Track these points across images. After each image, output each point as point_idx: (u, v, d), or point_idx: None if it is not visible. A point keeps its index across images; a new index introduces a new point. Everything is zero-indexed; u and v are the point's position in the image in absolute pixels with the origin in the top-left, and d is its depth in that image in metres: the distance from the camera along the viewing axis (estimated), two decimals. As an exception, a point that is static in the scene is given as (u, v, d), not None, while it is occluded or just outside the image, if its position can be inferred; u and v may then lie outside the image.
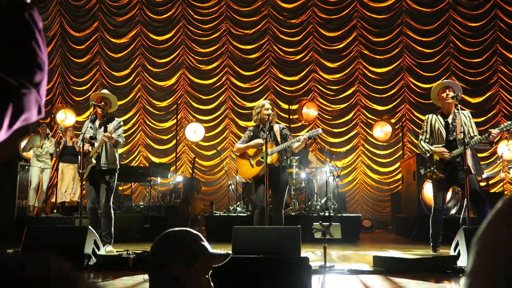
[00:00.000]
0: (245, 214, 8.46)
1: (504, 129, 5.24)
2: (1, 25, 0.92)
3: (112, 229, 5.80)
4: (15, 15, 0.94)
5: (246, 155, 5.63)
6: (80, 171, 5.73)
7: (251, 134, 5.63)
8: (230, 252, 1.71)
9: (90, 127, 5.87)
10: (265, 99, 12.25)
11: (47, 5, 13.07)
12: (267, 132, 5.33)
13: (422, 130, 5.69)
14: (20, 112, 0.93)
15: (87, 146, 5.73)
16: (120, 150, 6.15)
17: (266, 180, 5.16)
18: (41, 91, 0.98)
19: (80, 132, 5.97)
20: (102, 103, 5.85)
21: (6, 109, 0.90)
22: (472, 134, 5.30)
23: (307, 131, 6.49)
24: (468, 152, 5.22)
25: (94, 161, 5.73)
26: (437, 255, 5.23)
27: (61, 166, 9.28)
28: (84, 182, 5.89)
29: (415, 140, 11.63)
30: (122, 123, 5.98)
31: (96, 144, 5.77)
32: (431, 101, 11.59)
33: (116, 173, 5.91)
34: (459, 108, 5.32)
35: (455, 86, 5.58)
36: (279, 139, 5.52)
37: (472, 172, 5.20)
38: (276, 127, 5.60)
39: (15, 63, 0.92)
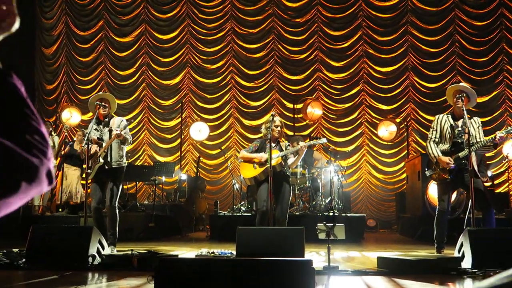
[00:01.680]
0: (250, 214, 8.46)
1: (511, 131, 5.23)
2: None
3: (117, 230, 5.82)
4: None
5: (249, 159, 5.71)
6: (88, 171, 5.74)
7: (258, 144, 5.76)
8: None
9: (96, 129, 5.88)
10: (269, 98, 12.33)
11: (52, 4, 13.12)
12: (272, 140, 5.46)
13: (431, 129, 5.66)
14: (34, 186, 0.87)
15: (95, 147, 5.74)
16: (126, 148, 6.15)
17: (271, 181, 5.17)
18: (51, 162, 0.91)
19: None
20: (103, 103, 5.87)
21: (20, 187, 0.84)
22: (478, 140, 5.29)
23: (310, 136, 6.55)
24: (473, 156, 5.21)
25: (102, 160, 5.74)
26: (441, 256, 5.22)
27: (65, 167, 9.17)
28: (89, 182, 5.90)
29: (420, 140, 11.60)
30: (124, 120, 6.00)
31: (104, 144, 5.78)
32: (436, 101, 11.61)
33: (123, 173, 5.91)
34: (465, 111, 5.30)
35: (468, 91, 5.52)
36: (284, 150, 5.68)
37: (478, 176, 5.20)
38: (283, 144, 5.77)
39: (21, 138, 0.85)
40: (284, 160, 5.59)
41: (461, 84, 5.83)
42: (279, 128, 5.60)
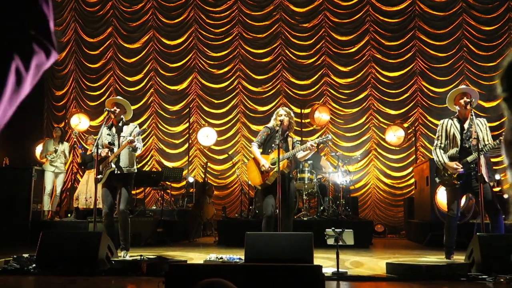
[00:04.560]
0: (257, 219, 8.46)
1: None
2: None
3: (129, 235, 5.85)
4: None
5: (257, 160, 5.66)
6: (99, 176, 5.78)
7: (269, 132, 5.69)
8: None
9: (108, 134, 5.92)
10: (277, 103, 12.34)
11: (61, 11, 13.24)
12: (281, 140, 5.39)
13: (436, 135, 5.63)
14: (26, 60, 0.81)
15: (105, 152, 5.77)
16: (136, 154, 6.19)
17: (279, 186, 5.17)
18: (47, 29, 0.85)
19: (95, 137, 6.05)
20: (114, 108, 5.90)
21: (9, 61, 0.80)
22: (486, 142, 5.25)
23: (317, 137, 6.49)
24: (482, 160, 5.18)
25: (113, 165, 5.77)
26: (451, 262, 5.19)
27: (86, 173, 9.26)
28: (100, 187, 5.94)
29: (428, 145, 11.55)
30: (138, 127, 6.03)
31: (116, 149, 5.82)
32: (444, 105, 11.47)
33: (133, 179, 5.95)
34: (473, 114, 5.28)
35: (472, 92, 5.52)
36: (290, 149, 5.61)
37: (486, 180, 5.15)
38: (290, 139, 5.71)
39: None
40: (290, 162, 5.56)
41: (463, 87, 5.81)
42: (283, 117, 5.51)
